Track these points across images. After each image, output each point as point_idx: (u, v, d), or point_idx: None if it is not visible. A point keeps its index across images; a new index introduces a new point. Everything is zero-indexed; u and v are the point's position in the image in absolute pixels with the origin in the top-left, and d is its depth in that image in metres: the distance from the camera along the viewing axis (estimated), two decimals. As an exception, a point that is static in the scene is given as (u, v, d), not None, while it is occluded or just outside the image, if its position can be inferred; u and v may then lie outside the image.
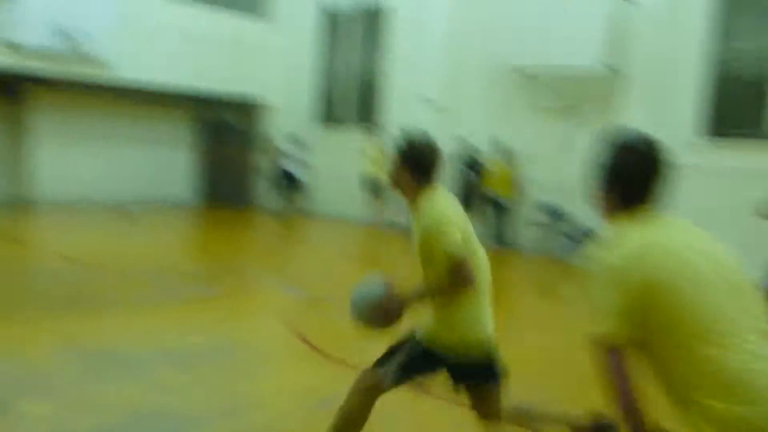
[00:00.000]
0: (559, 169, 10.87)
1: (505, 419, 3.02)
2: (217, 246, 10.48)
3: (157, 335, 5.16)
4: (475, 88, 12.08)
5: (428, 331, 2.87)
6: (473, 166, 11.62)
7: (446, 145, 12.08)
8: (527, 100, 11.39)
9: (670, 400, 1.80)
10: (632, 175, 1.97)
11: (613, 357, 1.80)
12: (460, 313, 2.80)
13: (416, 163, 2.87)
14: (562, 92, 10.93)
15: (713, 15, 9.67)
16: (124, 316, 5.69)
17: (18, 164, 13.45)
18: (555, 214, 10.88)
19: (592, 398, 2.13)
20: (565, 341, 5.89)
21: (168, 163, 15.14)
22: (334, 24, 14.66)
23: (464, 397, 2.97)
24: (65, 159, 13.59)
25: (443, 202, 2.85)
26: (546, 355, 5.48)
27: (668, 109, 9.87)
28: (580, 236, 10.17)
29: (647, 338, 1.80)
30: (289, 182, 13.82)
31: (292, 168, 13.79)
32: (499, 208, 11.43)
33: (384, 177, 12.53)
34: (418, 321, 2.92)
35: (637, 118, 9.80)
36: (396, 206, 12.11)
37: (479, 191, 11.50)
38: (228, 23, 14.46)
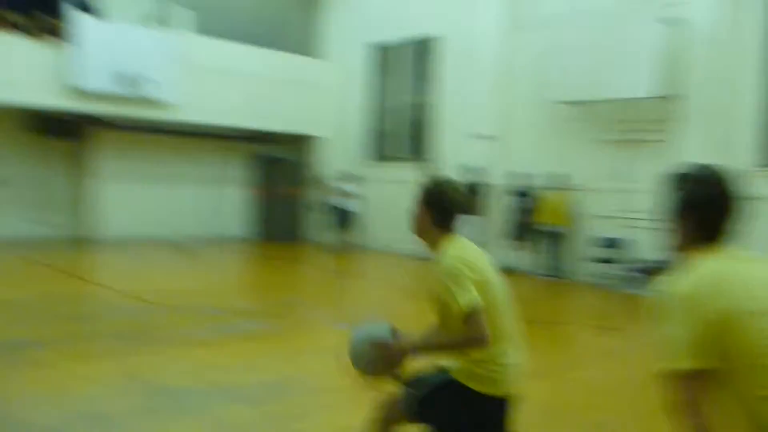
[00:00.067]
0: (615, 200, 10.68)
1: None
2: (272, 281, 10.59)
3: (216, 372, 5.20)
4: (527, 119, 12.01)
5: (453, 366, 2.77)
6: (527, 197, 11.51)
7: (499, 178, 12.07)
8: (581, 130, 11.26)
9: None
10: (706, 208, 1.91)
11: (686, 391, 1.73)
12: (482, 354, 2.67)
13: (440, 206, 2.78)
14: (616, 122, 10.76)
15: (772, 38, 9.45)
16: (183, 353, 5.76)
17: (82, 204, 13.94)
18: (612, 246, 10.66)
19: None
20: (629, 375, 5.71)
21: (224, 200, 15.45)
22: (384, 58, 14.85)
23: None
24: (126, 198, 14.03)
25: (461, 250, 2.72)
26: (609, 390, 5.31)
27: (728, 134, 9.61)
28: (640, 268, 9.92)
29: (722, 371, 1.73)
30: (342, 217, 13.92)
31: (344, 203, 13.90)
32: (554, 239, 11.27)
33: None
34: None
35: (696, 144, 9.59)
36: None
37: (533, 223, 11.37)
38: (281, 63, 14.82)
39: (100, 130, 13.55)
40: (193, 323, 6.85)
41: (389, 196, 13.84)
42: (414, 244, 2.94)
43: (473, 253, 2.74)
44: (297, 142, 15.84)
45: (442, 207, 2.78)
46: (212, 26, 13.83)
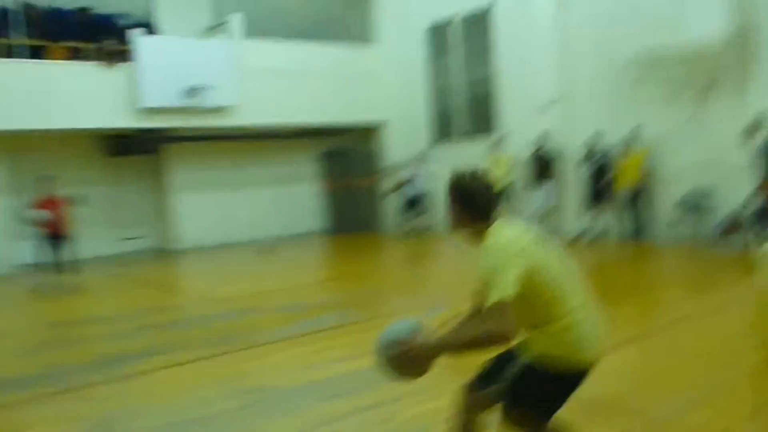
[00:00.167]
0: (694, 153, 10.22)
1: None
2: (351, 273, 10.66)
3: (306, 368, 5.27)
4: (593, 80, 11.62)
5: (532, 349, 2.69)
6: (601, 161, 11.17)
7: (570, 144, 11.75)
8: (650, 84, 10.80)
9: None
10: None
11: None
12: (555, 330, 2.60)
13: (469, 200, 2.70)
14: (688, 70, 10.26)
15: None
16: (273, 352, 5.87)
17: (162, 216, 14.43)
18: (696, 201, 10.21)
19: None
20: (727, 335, 5.46)
21: (295, 197, 15.68)
22: (440, 37, 14.66)
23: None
24: (203, 206, 14.44)
25: (502, 238, 2.61)
26: (708, 352, 5.08)
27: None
28: (728, 221, 9.48)
29: None
30: (413, 202, 13.88)
31: (414, 188, 13.86)
32: (634, 201, 10.90)
33: (509, 184, 12.32)
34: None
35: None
36: (526, 214, 11.85)
37: (610, 186, 11.03)
38: (337, 55, 14.87)
39: (171, 144, 13.97)
40: (280, 322, 6.97)
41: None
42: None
43: (518, 238, 2.63)
44: (362, 131, 15.88)
45: (470, 199, 2.70)
46: (265, 28, 13.99)
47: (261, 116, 13.86)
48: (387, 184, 15.15)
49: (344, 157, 15.95)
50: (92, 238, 12.73)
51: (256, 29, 13.82)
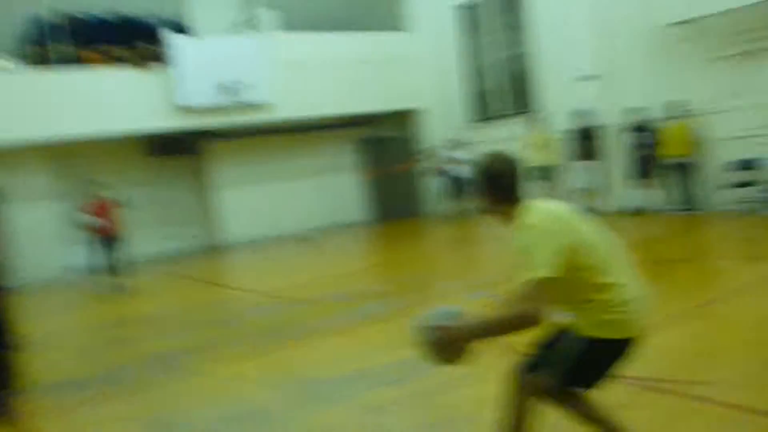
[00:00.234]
0: (743, 118, 9.88)
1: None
2: (397, 260, 10.65)
3: (357, 357, 5.28)
4: (634, 49, 11.31)
5: (578, 325, 2.65)
6: (646, 132, 10.89)
7: (613, 116, 11.48)
8: (694, 50, 10.45)
9: None
10: None
11: None
12: (604, 302, 2.56)
13: (495, 182, 2.70)
14: (733, 33, 9.89)
15: None
16: (323, 343, 5.90)
17: (207, 214, 14.63)
18: (748, 168, 9.88)
19: None
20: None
21: (337, 187, 15.72)
22: (473, 17, 14.47)
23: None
24: (247, 201, 14.59)
25: (537, 216, 2.59)
26: (765, 322, 4.92)
27: None
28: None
29: None
30: (455, 185, 13.78)
31: (456, 171, 13.74)
32: (682, 171, 10.60)
33: (551, 164, 12.10)
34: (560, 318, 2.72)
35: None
36: (570, 192, 11.65)
37: (657, 157, 10.75)
38: (371, 43, 14.82)
39: (212, 142, 14.13)
40: (328, 312, 7.00)
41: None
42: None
43: (554, 216, 2.60)
44: (400, 117, 15.81)
45: (496, 181, 2.70)
46: (298, 21, 14.01)
47: (298, 109, 13.91)
48: (427, 168, 15.06)
49: (383, 144, 15.91)
50: (141, 238, 12.96)
51: (289, 22, 13.85)
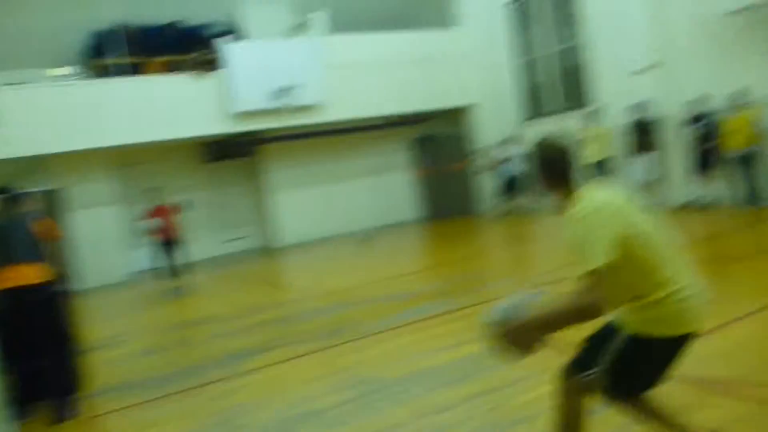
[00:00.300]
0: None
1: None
2: (452, 259, 10.62)
3: (414, 357, 5.30)
4: (692, 39, 11.00)
5: (630, 322, 2.59)
6: (706, 124, 10.58)
7: (671, 108, 11.19)
8: (755, 38, 10.11)
9: None
10: None
11: None
12: (657, 297, 2.49)
13: (548, 166, 2.70)
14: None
15: None
16: (381, 343, 5.93)
17: (263, 215, 14.88)
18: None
19: None
20: None
21: (390, 187, 15.77)
22: (523, 10, 14.31)
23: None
24: (302, 203, 14.78)
25: (592, 202, 2.53)
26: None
27: None
28: None
29: None
30: (509, 183, 13.66)
31: (509, 168, 13.63)
32: (745, 163, 10.25)
33: (608, 158, 11.87)
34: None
35: None
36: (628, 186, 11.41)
37: (719, 150, 10.43)
38: (420, 41, 14.80)
39: (266, 145, 14.36)
40: (386, 313, 7.04)
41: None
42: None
43: (609, 202, 2.54)
44: (452, 115, 15.76)
45: (549, 166, 2.70)
46: (347, 22, 14.11)
47: (350, 110, 14.02)
48: (480, 166, 14.97)
49: (435, 142, 15.89)
50: (200, 241, 13.29)
51: (339, 24, 13.96)
